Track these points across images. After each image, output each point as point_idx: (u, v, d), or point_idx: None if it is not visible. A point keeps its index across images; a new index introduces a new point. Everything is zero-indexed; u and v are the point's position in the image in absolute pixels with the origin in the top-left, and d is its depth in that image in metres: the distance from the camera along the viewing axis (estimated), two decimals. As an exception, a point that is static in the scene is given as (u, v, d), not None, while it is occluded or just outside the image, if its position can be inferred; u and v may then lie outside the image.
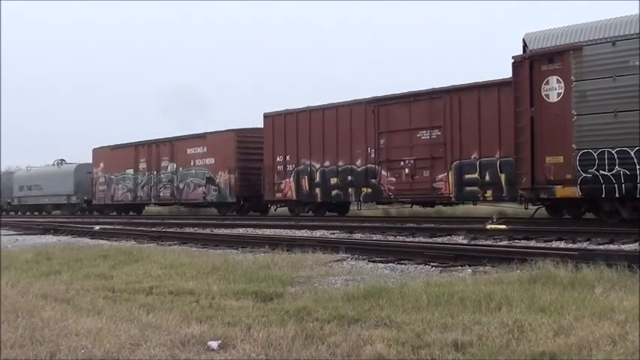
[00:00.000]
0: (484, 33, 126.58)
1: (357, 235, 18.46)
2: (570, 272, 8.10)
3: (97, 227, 23.48)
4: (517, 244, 14.09)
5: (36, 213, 51.74)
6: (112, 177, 41.78)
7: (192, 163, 35.79)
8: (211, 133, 35.23)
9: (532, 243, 14.55)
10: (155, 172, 38.39)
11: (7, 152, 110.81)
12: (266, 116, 30.57)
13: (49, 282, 10.29)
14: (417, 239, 16.51)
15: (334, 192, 27.46)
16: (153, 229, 23.23)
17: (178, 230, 22.71)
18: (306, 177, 28.52)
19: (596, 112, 16.98)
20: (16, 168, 62.59)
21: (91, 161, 45.38)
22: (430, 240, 16.10)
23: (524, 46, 18.44)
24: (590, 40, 17.16)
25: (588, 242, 14.16)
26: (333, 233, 19.48)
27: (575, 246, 13.28)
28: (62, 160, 51.24)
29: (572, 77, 17.32)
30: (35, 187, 52.36)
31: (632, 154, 16.34)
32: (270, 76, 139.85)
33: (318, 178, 28.03)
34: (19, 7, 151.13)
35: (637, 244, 13.49)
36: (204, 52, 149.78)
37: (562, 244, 14.00)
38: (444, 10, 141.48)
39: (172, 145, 37.31)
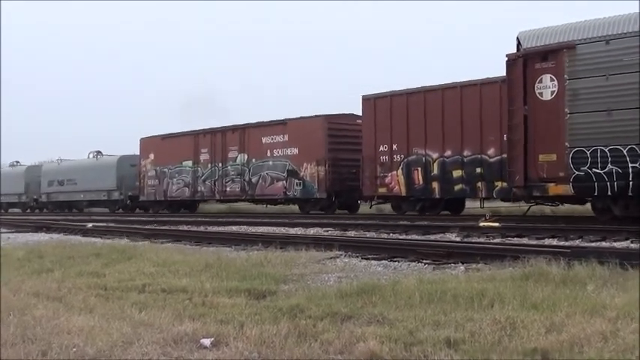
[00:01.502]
0: (482, 33, 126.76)
1: (351, 233, 18.49)
2: (562, 269, 8.11)
3: (90, 225, 23.43)
4: (510, 242, 14.14)
5: (66, 210, 47.57)
6: (165, 170, 37.48)
7: (268, 154, 31.65)
8: (294, 119, 31.11)
9: (525, 240, 14.59)
10: (220, 164, 34.14)
11: (19, 148, 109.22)
12: (366, 99, 26.67)
13: (41, 280, 10.25)
14: (410, 237, 16.55)
15: (458, 186, 23.80)
16: (146, 226, 23.19)
17: (172, 228, 22.70)
18: (419, 169, 24.67)
19: (589, 111, 17.05)
20: (43, 161, 57.44)
21: (132, 153, 42.04)
22: (423, 237, 16.15)
23: (518, 44, 18.48)
24: (584, 39, 17.21)
25: (580, 240, 14.21)
26: (327, 231, 19.50)
27: (567, 243, 13.33)
28: (99, 151, 46.72)
29: (565, 75, 17.38)
30: (68, 181, 47.41)
31: (625, 153, 16.41)
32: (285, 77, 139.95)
33: (436, 171, 24.26)
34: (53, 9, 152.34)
35: (629, 241, 13.54)
36: (218, 55, 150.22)
37: (555, 242, 14.05)
38: (443, 11, 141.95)
39: (243, 133, 33.12)
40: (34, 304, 7.95)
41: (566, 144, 17.28)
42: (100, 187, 43.83)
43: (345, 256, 12.05)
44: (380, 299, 7.23)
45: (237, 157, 33.37)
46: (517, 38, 18.52)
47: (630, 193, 16.48)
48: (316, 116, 30.10)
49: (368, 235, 17.32)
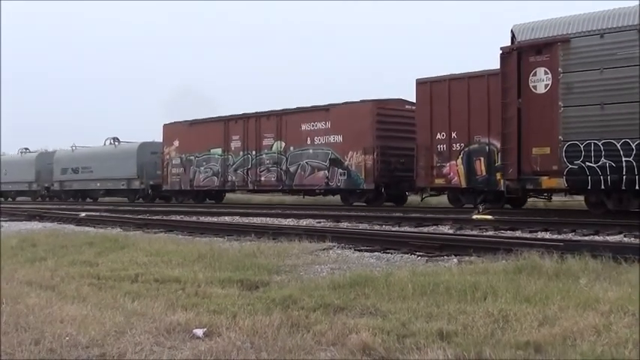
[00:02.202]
0: (478, 31, 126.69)
1: (344, 224, 18.49)
2: (555, 263, 8.13)
3: (83, 214, 23.39)
4: (503, 235, 14.16)
5: (80, 200, 44.71)
6: (192, 158, 34.65)
7: (308, 142, 29.04)
8: (338, 105, 28.44)
9: (518, 233, 14.62)
10: (254, 152, 31.40)
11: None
12: (421, 83, 24.22)
13: (34, 268, 10.25)
14: (403, 229, 16.56)
15: None
16: (139, 216, 23.17)
17: (164, 218, 22.68)
18: (482, 159, 22.41)
19: (583, 104, 17.05)
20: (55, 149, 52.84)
21: (153, 140, 40.05)
22: (416, 229, 16.14)
23: (513, 37, 18.46)
24: (578, 33, 17.20)
25: (573, 233, 14.25)
26: (320, 222, 19.49)
27: (560, 237, 13.35)
28: (116, 138, 43.48)
29: (559, 69, 17.37)
30: (83, 169, 44.06)
31: (618, 146, 16.41)
32: (271, 75, 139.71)
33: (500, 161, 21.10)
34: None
35: (622, 235, 13.57)
36: (206, 51, 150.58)
37: (547, 235, 14.08)
38: (443, 10, 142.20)
39: (279, 120, 30.39)
40: (27, 293, 7.95)
41: (560, 137, 17.29)
42: (118, 176, 40.98)
43: (337, 247, 12.06)
44: (373, 291, 7.24)
45: (273, 144, 30.74)
46: (511, 31, 18.50)
47: (624, 187, 16.50)
48: (363, 101, 27.59)
49: (361, 227, 17.32)
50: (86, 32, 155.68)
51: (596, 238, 13.38)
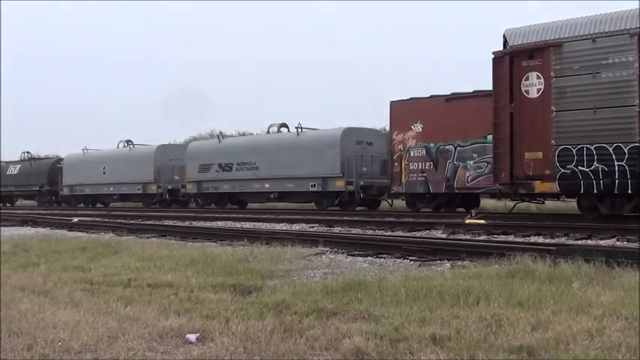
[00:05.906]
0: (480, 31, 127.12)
1: (337, 229, 18.48)
2: (548, 267, 8.15)
3: (76, 219, 23.34)
4: (496, 239, 14.14)
5: (235, 206, 35.79)
6: (449, 148, 24.80)
7: None
8: None
9: (510, 238, 14.63)
10: None
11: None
12: None
13: (27, 274, 10.21)
14: (395, 233, 16.56)
15: None
16: (132, 221, 23.12)
17: (157, 223, 22.64)
18: None
19: (575, 109, 17.08)
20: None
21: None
22: (409, 234, 16.15)
23: (505, 42, 18.49)
24: (571, 37, 17.24)
25: (566, 237, 14.26)
26: (313, 227, 19.48)
27: (553, 241, 13.37)
28: (284, 124, 34.33)
29: (552, 73, 17.40)
30: (240, 165, 34.02)
31: (611, 151, 16.45)
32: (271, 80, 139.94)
33: None
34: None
35: (614, 239, 13.60)
36: (204, 53, 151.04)
37: (540, 239, 14.08)
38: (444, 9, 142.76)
39: None
40: (20, 298, 7.92)
41: (553, 142, 17.32)
42: (304, 174, 30.89)
43: (330, 252, 12.07)
44: (366, 295, 7.24)
45: None
46: (503, 35, 18.52)
47: (616, 191, 16.54)
48: None
49: (353, 232, 17.32)
50: (85, 32, 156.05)
51: (589, 242, 13.40)
